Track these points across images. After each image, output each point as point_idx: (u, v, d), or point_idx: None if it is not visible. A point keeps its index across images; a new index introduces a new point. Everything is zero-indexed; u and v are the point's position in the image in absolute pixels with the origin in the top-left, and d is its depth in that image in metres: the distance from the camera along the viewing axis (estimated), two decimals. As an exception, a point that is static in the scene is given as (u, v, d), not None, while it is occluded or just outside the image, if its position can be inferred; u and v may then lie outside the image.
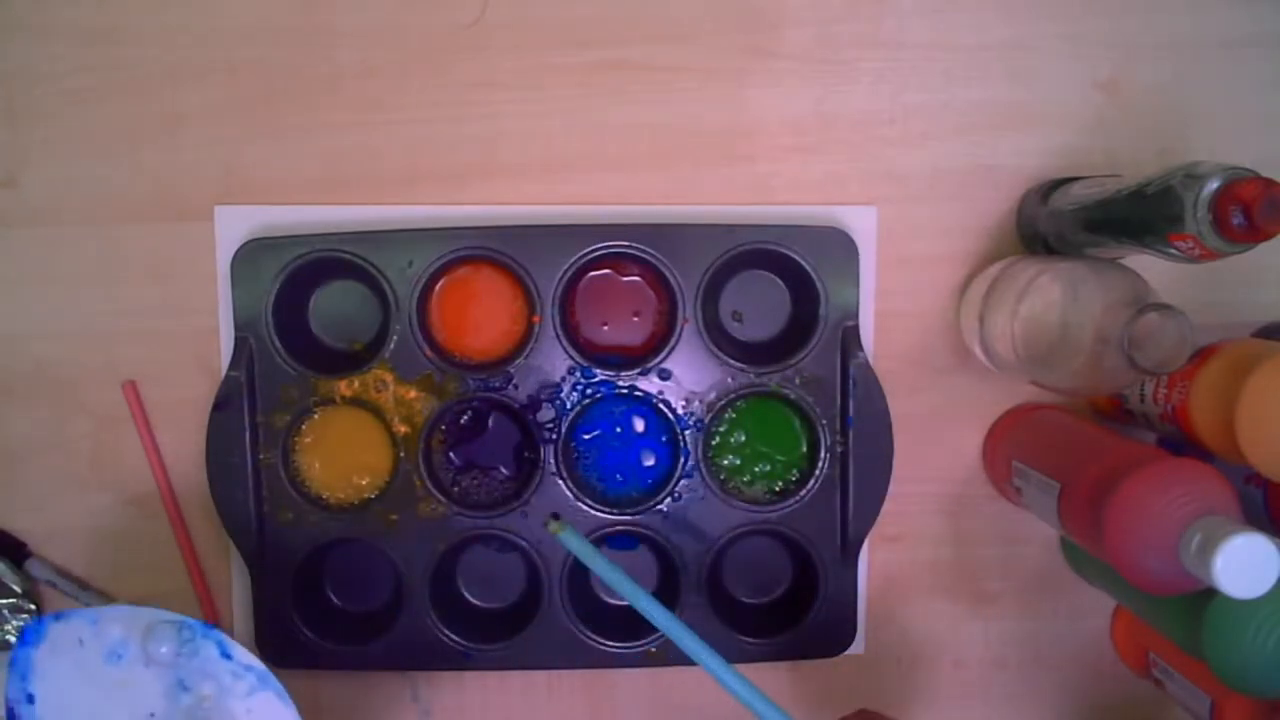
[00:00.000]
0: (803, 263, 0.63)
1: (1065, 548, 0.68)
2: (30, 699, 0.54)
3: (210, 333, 0.66)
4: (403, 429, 0.64)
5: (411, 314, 0.63)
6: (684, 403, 0.65)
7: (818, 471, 0.65)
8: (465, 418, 0.66)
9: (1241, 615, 0.51)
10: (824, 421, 0.64)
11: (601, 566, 0.56)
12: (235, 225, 0.65)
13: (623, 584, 0.55)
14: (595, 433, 0.66)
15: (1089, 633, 0.69)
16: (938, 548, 0.69)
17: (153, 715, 0.54)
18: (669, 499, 0.65)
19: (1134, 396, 0.61)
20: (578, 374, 0.64)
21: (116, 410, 0.66)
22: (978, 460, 0.68)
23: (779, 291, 0.66)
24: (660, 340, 0.65)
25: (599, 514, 0.65)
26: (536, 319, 0.63)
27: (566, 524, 0.58)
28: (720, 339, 0.65)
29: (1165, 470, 0.52)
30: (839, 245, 0.63)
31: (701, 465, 0.65)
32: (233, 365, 0.63)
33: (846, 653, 0.66)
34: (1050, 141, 0.66)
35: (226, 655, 0.55)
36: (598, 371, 0.64)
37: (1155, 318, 0.51)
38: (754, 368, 0.64)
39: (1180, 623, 0.55)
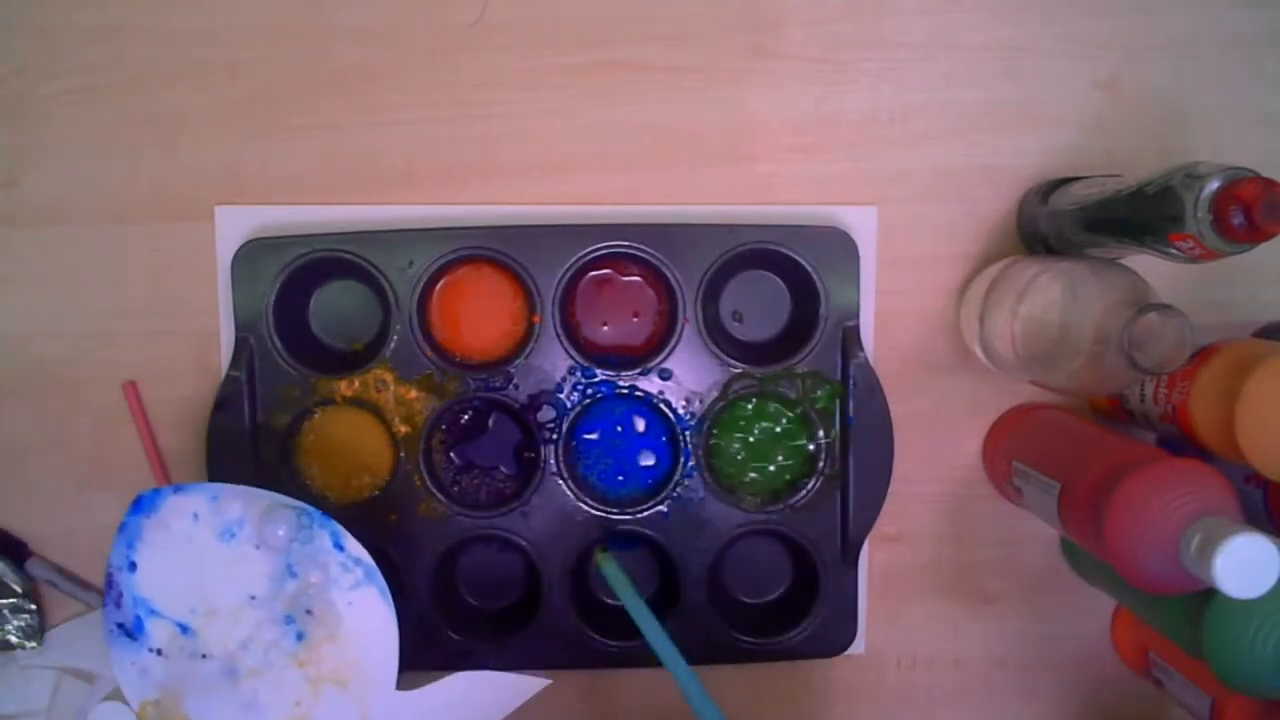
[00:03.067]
0: (803, 263, 0.63)
1: (1065, 548, 0.68)
2: (133, 567, 0.54)
3: (210, 333, 0.65)
4: (403, 429, 0.64)
5: (411, 314, 0.63)
6: (684, 403, 0.65)
7: (818, 471, 0.65)
8: (465, 417, 0.66)
9: (1241, 615, 0.51)
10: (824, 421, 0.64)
11: (630, 600, 0.60)
12: (235, 225, 0.65)
13: (643, 621, 0.59)
14: (595, 434, 0.66)
15: (1089, 633, 0.69)
16: (938, 548, 0.69)
17: (254, 597, 0.54)
18: (669, 499, 0.65)
19: (1134, 396, 0.61)
20: (578, 374, 0.64)
21: (116, 410, 0.66)
22: (978, 460, 0.68)
23: (779, 291, 0.66)
24: (660, 340, 0.65)
25: (599, 514, 0.65)
26: (537, 319, 0.63)
27: (611, 558, 0.63)
28: (720, 339, 0.65)
29: (1165, 470, 0.52)
30: (839, 245, 0.63)
31: (702, 465, 0.65)
32: (233, 365, 0.63)
33: (846, 653, 0.66)
34: (1050, 141, 0.66)
35: (339, 546, 0.55)
36: (598, 371, 0.64)
37: (1155, 318, 0.51)
38: (754, 368, 0.64)
39: (1180, 623, 0.55)
